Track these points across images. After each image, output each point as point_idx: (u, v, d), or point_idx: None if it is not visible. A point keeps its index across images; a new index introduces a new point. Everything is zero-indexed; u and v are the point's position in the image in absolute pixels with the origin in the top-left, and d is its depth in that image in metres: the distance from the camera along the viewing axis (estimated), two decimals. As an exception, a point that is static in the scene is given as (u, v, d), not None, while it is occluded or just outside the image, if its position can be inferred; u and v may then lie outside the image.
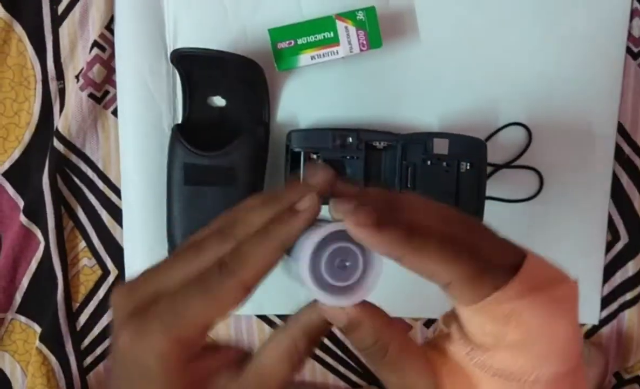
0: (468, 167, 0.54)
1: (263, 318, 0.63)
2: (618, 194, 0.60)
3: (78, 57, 0.60)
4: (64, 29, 0.59)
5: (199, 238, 0.27)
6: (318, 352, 0.64)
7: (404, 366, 0.27)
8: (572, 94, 0.58)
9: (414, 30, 0.58)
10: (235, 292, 0.25)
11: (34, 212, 0.61)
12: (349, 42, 0.54)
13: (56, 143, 0.59)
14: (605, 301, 0.62)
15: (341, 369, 0.64)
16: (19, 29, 0.59)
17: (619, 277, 0.62)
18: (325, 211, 0.27)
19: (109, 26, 0.59)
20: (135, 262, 0.62)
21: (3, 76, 0.60)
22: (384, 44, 0.54)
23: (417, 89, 0.59)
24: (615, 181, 0.60)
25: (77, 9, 0.59)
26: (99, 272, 0.63)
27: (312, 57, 0.54)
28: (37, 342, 0.63)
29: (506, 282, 0.25)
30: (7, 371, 0.65)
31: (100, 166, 0.61)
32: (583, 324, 0.63)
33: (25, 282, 0.63)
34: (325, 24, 0.53)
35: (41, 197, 0.60)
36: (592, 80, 0.58)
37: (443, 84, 0.59)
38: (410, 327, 0.62)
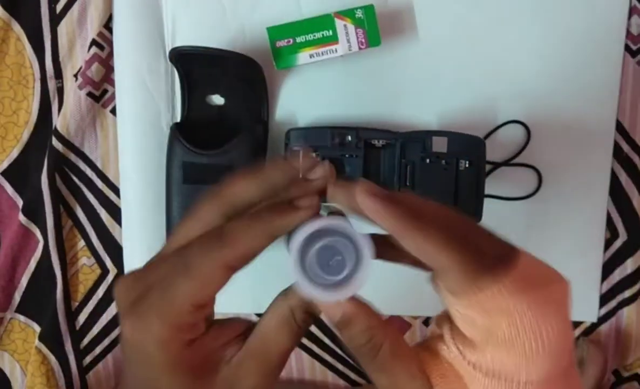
0: (467, 165, 0.54)
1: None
2: (617, 192, 0.60)
3: (76, 55, 0.60)
4: (63, 28, 0.59)
5: (190, 217, 0.27)
6: (317, 350, 0.64)
7: (396, 367, 0.27)
8: (570, 91, 0.58)
9: (413, 29, 0.58)
10: (216, 270, 0.25)
11: (33, 211, 0.61)
12: (348, 41, 0.54)
13: (55, 142, 0.59)
14: (604, 299, 0.62)
15: (340, 367, 0.65)
16: (17, 27, 0.59)
17: (617, 275, 0.62)
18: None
19: (108, 25, 0.59)
20: (135, 261, 0.62)
21: (1, 75, 0.60)
22: (383, 42, 0.54)
23: (415, 87, 0.59)
24: (614, 179, 0.60)
25: (76, 7, 0.59)
26: (98, 271, 0.63)
27: (311, 56, 0.54)
28: (37, 341, 0.63)
29: (501, 277, 0.25)
30: (7, 371, 0.65)
31: (99, 164, 0.61)
32: (581, 322, 0.63)
33: (24, 281, 0.63)
34: (324, 22, 0.53)
35: (40, 196, 0.60)
36: (590, 78, 0.58)
37: (442, 82, 0.59)
38: (409, 326, 0.62)
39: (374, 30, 0.53)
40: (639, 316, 0.62)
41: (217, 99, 0.58)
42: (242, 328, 0.28)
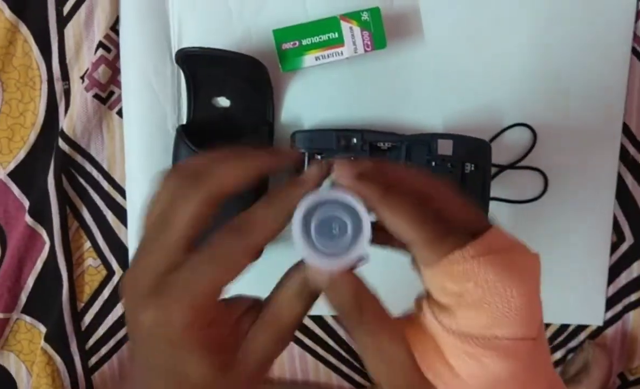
0: (472, 169, 0.54)
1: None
2: (623, 195, 0.60)
3: (83, 57, 0.60)
4: (69, 30, 0.59)
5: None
6: (322, 352, 0.64)
7: (378, 331, 0.28)
8: (577, 95, 0.58)
9: (419, 31, 0.58)
10: (241, 257, 0.27)
11: (39, 212, 0.61)
12: (354, 43, 0.54)
13: (61, 143, 0.60)
14: (610, 302, 0.62)
15: (345, 369, 0.65)
16: (24, 29, 0.60)
17: (624, 279, 0.62)
18: None
19: (114, 27, 0.59)
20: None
21: (9, 77, 0.60)
22: (389, 44, 0.54)
23: (421, 90, 0.59)
24: (621, 182, 0.60)
25: (83, 10, 0.59)
26: (104, 272, 0.63)
27: (317, 58, 0.54)
28: (42, 342, 0.63)
29: (464, 245, 0.27)
30: (12, 371, 0.66)
31: (105, 166, 0.61)
32: (587, 325, 0.63)
33: (30, 282, 0.64)
34: (329, 24, 0.53)
35: (46, 197, 0.61)
36: (597, 81, 0.58)
37: (447, 84, 0.58)
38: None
39: (379, 32, 0.53)
40: (645, 320, 0.62)
41: (223, 101, 0.59)
42: (250, 302, 0.30)
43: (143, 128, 0.60)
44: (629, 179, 0.60)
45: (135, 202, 0.61)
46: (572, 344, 0.63)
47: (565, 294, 0.61)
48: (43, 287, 0.63)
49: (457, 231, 0.28)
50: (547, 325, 0.63)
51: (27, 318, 0.65)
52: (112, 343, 0.64)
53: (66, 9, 0.59)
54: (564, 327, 0.63)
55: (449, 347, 0.27)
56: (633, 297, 0.62)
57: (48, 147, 0.61)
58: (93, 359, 0.65)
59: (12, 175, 0.62)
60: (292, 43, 0.54)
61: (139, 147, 0.60)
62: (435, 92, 0.58)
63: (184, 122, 0.59)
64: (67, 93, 0.61)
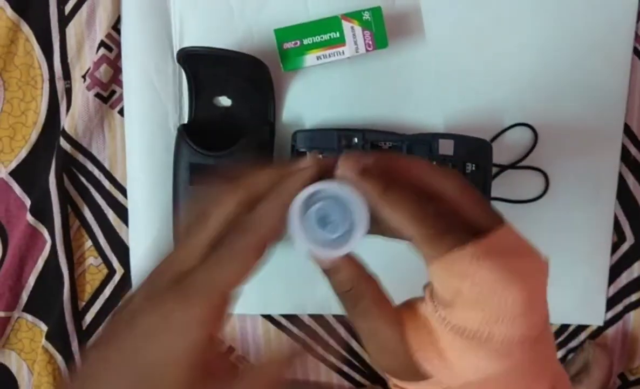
0: (473, 168, 0.54)
1: (268, 317, 0.63)
2: (624, 195, 0.60)
3: (85, 57, 0.60)
4: (71, 29, 0.59)
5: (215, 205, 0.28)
6: (322, 351, 0.64)
7: (375, 314, 0.29)
8: (578, 94, 0.58)
9: (420, 31, 0.58)
10: (256, 253, 0.27)
11: (41, 211, 0.62)
12: (355, 43, 0.54)
13: (63, 143, 0.60)
14: (611, 302, 0.62)
15: (345, 368, 0.65)
16: (26, 28, 0.60)
17: (624, 279, 0.62)
18: None
19: (116, 26, 0.59)
20: (141, 262, 0.62)
21: (10, 76, 0.60)
22: (390, 44, 0.54)
23: (422, 90, 0.59)
24: (622, 182, 0.60)
25: (84, 9, 0.59)
26: (105, 271, 0.63)
27: (318, 58, 0.54)
28: (43, 340, 0.63)
29: (465, 244, 0.27)
30: (14, 370, 0.66)
31: (106, 165, 0.62)
32: (588, 325, 0.63)
33: (31, 281, 0.64)
34: (331, 24, 0.53)
35: (48, 196, 0.61)
36: (598, 81, 0.58)
37: (449, 84, 0.58)
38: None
39: (381, 32, 0.53)
40: (646, 320, 0.62)
41: (224, 100, 0.59)
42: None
43: (144, 127, 0.60)
44: (630, 179, 0.60)
45: (137, 201, 0.61)
46: (573, 344, 0.63)
47: (565, 294, 0.61)
48: (44, 286, 0.64)
49: (459, 228, 0.27)
50: (548, 325, 0.63)
51: (29, 317, 0.65)
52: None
53: (68, 8, 0.59)
54: (565, 327, 0.63)
55: (445, 339, 0.28)
56: (634, 297, 0.62)
57: (49, 146, 0.61)
58: (94, 358, 0.65)
59: (13, 174, 0.62)
60: (293, 42, 0.54)
61: (141, 146, 0.60)
62: (436, 92, 0.58)
63: (186, 121, 0.59)
64: (68, 92, 0.61)
